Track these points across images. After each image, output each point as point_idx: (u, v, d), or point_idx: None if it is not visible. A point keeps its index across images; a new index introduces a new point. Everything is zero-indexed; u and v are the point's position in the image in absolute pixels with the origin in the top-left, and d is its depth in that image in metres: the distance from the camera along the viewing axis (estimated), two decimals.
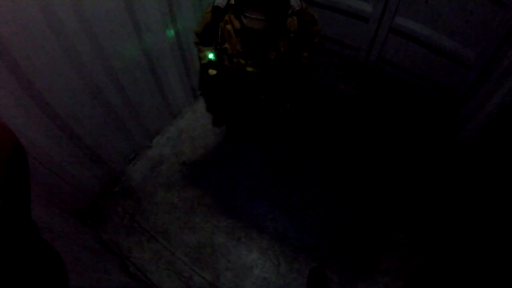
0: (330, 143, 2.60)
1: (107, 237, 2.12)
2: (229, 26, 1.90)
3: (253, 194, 2.32)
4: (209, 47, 2.10)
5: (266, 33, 1.81)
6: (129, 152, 2.47)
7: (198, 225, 2.18)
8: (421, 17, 2.45)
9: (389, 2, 2.49)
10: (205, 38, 2.07)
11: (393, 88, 2.93)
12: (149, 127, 2.55)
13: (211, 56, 2.07)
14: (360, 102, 2.86)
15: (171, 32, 2.25)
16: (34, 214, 1.45)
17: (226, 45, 1.99)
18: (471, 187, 2.21)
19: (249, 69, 2.04)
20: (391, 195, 2.27)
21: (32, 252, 0.53)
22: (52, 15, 1.49)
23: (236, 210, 2.24)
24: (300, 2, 1.88)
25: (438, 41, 2.46)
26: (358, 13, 2.72)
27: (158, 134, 2.68)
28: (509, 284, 1.58)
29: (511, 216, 1.79)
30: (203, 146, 2.62)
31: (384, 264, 1.98)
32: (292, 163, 2.49)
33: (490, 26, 2.15)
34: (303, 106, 2.82)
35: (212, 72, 2.14)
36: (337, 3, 2.77)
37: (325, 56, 3.17)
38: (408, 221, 2.15)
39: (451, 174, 2.34)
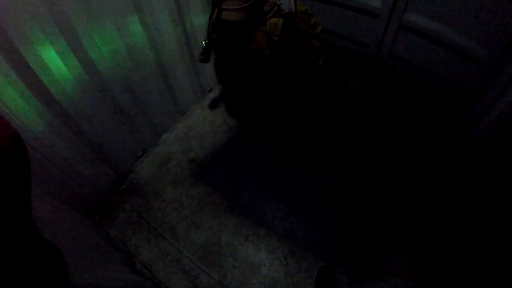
0: (340, 141, 2.56)
1: (114, 234, 2.12)
2: (215, 18, 1.92)
3: (261, 192, 2.30)
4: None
5: (241, 27, 1.78)
6: (137, 149, 2.47)
7: (206, 223, 2.16)
8: (431, 13, 2.40)
9: None
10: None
11: (403, 85, 2.88)
12: (157, 124, 2.55)
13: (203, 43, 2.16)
14: (370, 100, 2.81)
15: (178, 30, 2.24)
16: (39, 210, 1.44)
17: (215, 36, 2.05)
18: (483, 187, 2.15)
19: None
20: (402, 195, 2.22)
21: (31, 250, 0.52)
22: (58, 11, 1.48)
23: (244, 209, 2.22)
24: (294, 6, 1.73)
25: (448, 37, 2.41)
26: (367, 8, 2.68)
27: (166, 132, 2.68)
28: None
29: None
30: (211, 144, 2.60)
31: (394, 265, 1.94)
32: (301, 162, 2.46)
33: (501, 21, 2.09)
34: (312, 104, 2.79)
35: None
36: None
37: (334, 53, 3.14)
38: (418, 221, 2.10)
39: (463, 174, 2.28)
